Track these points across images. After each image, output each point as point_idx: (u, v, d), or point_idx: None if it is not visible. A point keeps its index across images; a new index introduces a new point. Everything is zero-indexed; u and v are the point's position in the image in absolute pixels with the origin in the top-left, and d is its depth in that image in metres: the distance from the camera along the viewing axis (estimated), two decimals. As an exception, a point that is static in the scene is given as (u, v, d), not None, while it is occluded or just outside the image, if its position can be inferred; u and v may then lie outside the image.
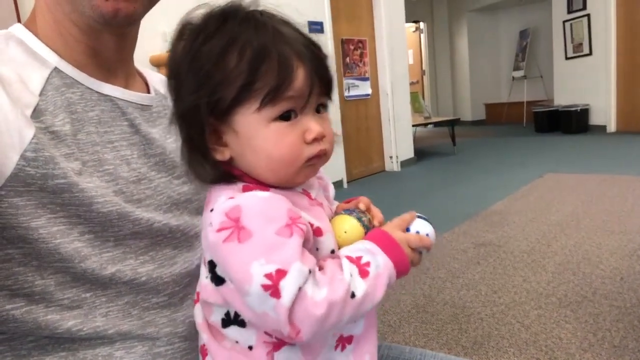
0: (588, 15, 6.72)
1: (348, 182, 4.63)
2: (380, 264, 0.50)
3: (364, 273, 0.49)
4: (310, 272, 0.45)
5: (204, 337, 0.55)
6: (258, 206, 0.47)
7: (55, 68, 0.59)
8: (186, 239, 0.68)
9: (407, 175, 5.05)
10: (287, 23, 0.52)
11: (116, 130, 0.63)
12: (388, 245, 0.52)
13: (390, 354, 0.73)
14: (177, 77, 0.51)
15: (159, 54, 2.76)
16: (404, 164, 5.40)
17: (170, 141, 0.70)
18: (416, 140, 6.01)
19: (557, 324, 1.71)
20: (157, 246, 0.63)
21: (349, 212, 0.57)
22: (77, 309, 0.56)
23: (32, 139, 0.52)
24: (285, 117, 0.49)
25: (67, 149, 0.56)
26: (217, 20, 0.49)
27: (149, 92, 0.73)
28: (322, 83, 0.51)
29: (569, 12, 7.08)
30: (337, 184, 4.42)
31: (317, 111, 0.52)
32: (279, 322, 0.44)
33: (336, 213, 0.59)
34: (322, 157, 0.52)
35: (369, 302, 0.48)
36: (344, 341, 0.54)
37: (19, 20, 2.29)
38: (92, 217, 0.56)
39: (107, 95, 0.64)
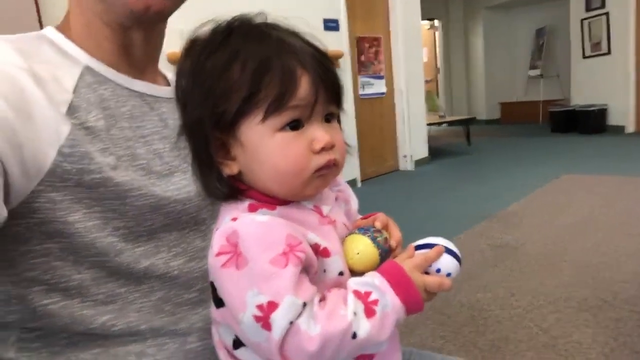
0: (607, 14, 6.62)
1: (362, 181, 4.62)
2: (389, 304, 0.48)
3: (370, 312, 0.47)
4: (305, 304, 0.44)
5: (220, 354, 0.55)
6: (255, 232, 0.46)
7: (86, 66, 0.61)
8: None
9: (421, 175, 5.02)
10: (293, 34, 0.51)
11: (148, 124, 0.65)
12: (402, 286, 0.49)
13: None
14: (183, 93, 0.51)
15: (172, 50, 2.75)
16: (418, 163, 5.37)
17: None
18: (430, 139, 5.97)
19: (576, 328, 1.69)
20: (187, 238, 0.64)
21: (363, 231, 0.55)
22: (111, 304, 0.57)
23: (69, 135, 0.53)
24: (291, 127, 0.48)
25: (101, 144, 0.57)
26: (222, 34, 0.50)
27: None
28: (328, 91, 0.50)
29: (587, 10, 6.97)
30: (351, 183, 4.41)
31: (327, 121, 0.51)
32: (272, 353, 0.44)
33: (350, 232, 0.56)
34: (332, 167, 0.51)
35: (371, 342, 0.46)
36: (365, 358, 0.52)
37: (39, 22, 2.32)
38: (126, 210, 0.57)
39: (136, 91, 0.65)
